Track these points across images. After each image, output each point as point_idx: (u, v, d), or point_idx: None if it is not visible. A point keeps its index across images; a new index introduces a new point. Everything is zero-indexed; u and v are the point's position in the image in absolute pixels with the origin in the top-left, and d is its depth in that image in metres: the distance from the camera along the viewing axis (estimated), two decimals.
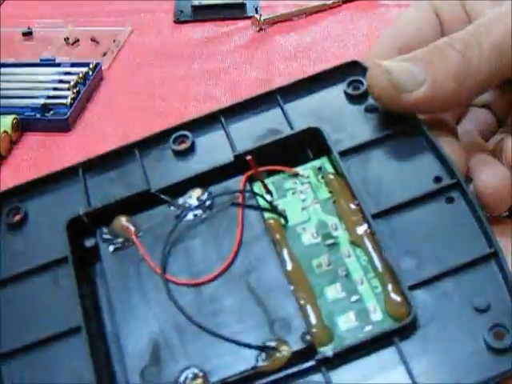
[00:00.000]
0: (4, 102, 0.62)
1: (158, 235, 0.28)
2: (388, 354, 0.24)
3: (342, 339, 0.25)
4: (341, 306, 0.26)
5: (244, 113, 0.31)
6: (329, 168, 0.29)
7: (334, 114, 0.30)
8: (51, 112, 0.62)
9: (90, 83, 0.64)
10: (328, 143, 0.29)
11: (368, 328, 0.25)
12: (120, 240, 0.28)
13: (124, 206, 0.29)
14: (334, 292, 0.26)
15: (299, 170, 0.30)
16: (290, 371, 0.24)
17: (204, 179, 0.29)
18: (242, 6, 0.75)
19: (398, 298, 0.25)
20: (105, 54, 0.70)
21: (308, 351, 0.24)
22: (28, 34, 0.74)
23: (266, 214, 0.28)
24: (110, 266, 0.28)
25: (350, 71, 0.31)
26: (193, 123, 0.31)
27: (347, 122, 0.29)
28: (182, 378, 0.24)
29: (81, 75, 0.65)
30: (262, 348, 0.24)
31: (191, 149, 0.30)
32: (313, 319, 0.25)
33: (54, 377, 0.25)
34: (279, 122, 0.30)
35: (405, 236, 0.26)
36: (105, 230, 0.29)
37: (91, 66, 0.66)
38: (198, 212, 0.28)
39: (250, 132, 0.30)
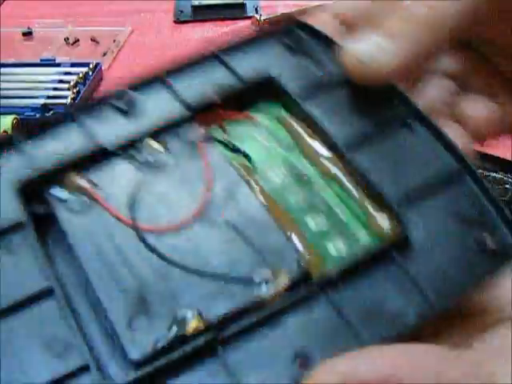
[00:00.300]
0: (4, 102, 0.62)
1: (117, 188, 0.26)
2: (391, 271, 0.24)
3: (336, 264, 0.24)
4: (327, 235, 0.25)
5: (189, 72, 0.30)
6: (284, 113, 0.29)
7: (280, 65, 0.30)
8: (51, 112, 0.62)
9: (89, 83, 0.64)
10: (284, 88, 0.29)
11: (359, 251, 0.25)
12: (76, 198, 0.26)
13: (74, 164, 0.27)
14: (317, 223, 0.26)
15: (255, 116, 0.29)
16: (291, 298, 0.23)
17: (157, 132, 0.28)
18: (242, 6, 0.75)
19: (384, 218, 0.25)
20: (105, 54, 0.70)
21: (305, 278, 0.23)
22: (28, 34, 0.74)
23: (230, 157, 0.27)
24: (69, 225, 0.25)
25: (288, 27, 0.31)
26: (137, 82, 0.30)
27: (295, 71, 0.30)
28: (176, 321, 0.23)
29: (81, 75, 0.65)
30: (256, 281, 0.23)
31: (137, 107, 0.29)
32: (303, 247, 0.25)
33: (24, 344, 0.23)
34: (226, 76, 0.30)
35: (377, 164, 0.26)
36: (58, 189, 0.26)
37: (91, 66, 0.66)
38: (157, 160, 0.27)
39: (197, 88, 0.30)
